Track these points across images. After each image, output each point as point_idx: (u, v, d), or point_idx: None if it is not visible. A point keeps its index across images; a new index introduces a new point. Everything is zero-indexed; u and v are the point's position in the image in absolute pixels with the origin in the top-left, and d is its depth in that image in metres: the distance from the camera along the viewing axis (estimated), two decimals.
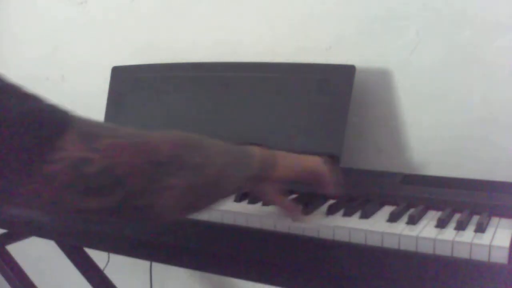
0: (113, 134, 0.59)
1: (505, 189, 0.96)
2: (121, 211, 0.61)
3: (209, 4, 1.43)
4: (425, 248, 0.75)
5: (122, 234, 0.97)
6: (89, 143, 0.56)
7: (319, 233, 0.82)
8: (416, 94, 1.17)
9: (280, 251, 0.86)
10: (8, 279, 1.42)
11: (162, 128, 1.34)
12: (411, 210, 0.89)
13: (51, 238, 1.26)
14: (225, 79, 1.27)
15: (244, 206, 0.93)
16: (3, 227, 1.29)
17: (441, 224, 0.80)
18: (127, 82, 1.43)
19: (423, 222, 0.83)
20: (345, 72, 1.13)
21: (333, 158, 1.08)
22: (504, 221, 0.84)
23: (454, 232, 0.78)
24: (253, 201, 0.95)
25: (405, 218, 0.84)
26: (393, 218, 0.84)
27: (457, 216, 0.85)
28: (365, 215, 0.86)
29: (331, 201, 0.95)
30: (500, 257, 0.71)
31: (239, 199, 0.96)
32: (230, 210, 0.91)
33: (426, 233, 0.77)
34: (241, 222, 0.89)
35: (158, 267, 1.56)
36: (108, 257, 1.59)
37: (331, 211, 0.88)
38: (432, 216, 0.86)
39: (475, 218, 0.84)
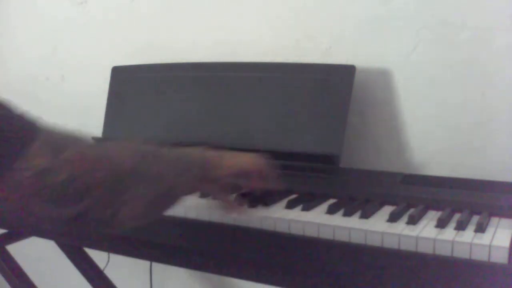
0: (78, 145, 0.62)
1: (505, 189, 0.96)
2: (85, 220, 0.62)
3: (209, 4, 1.43)
4: (425, 248, 0.75)
5: (122, 234, 0.97)
6: (56, 154, 0.58)
7: (319, 233, 0.82)
8: (416, 94, 1.17)
9: (280, 251, 0.86)
10: (8, 279, 1.42)
11: (162, 128, 1.35)
12: (411, 210, 0.89)
13: (51, 238, 1.26)
14: (225, 79, 1.27)
15: (244, 206, 0.93)
16: (3, 227, 1.29)
17: (441, 224, 0.80)
18: (127, 82, 1.44)
19: (423, 222, 0.83)
20: (345, 72, 1.13)
21: (330, 158, 1.08)
22: (504, 221, 0.84)
23: (454, 232, 0.78)
24: (253, 201, 0.95)
25: (405, 218, 0.84)
26: (393, 218, 0.84)
27: (457, 216, 0.85)
28: (365, 215, 0.86)
29: (331, 201, 0.95)
30: (500, 257, 0.71)
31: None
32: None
33: (426, 233, 0.77)
34: (241, 222, 0.89)
35: (158, 267, 1.56)
36: (108, 257, 1.59)
37: (331, 211, 0.88)
38: (432, 216, 0.86)
39: (475, 218, 0.84)
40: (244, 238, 0.89)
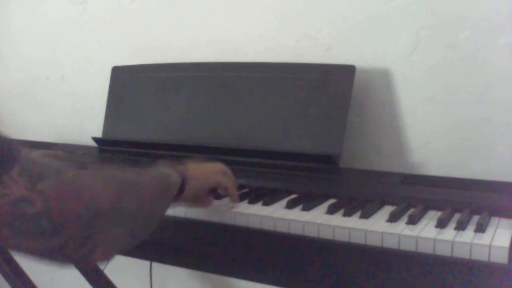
0: (57, 176, 0.59)
1: (505, 189, 0.96)
2: (59, 255, 0.60)
3: (209, 4, 1.43)
4: (425, 248, 0.75)
5: None
6: (33, 183, 0.56)
7: (319, 233, 0.82)
8: (416, 94, 1.17)
9: (280, 251, 0.86)
10: (8, 279, 1.42)
11: (162, 128, 1.35)
12: (411, 210, 0.89)
13: None
14: (225, 79, 1.27)
15: (244, 206, 0.93)
16: None
17: (441, 224, 0.80)
18: (127, 82, 1.44)
19: (423, 222, 0.83)
20: (345, 72, 1.13)
21: (330, 158, 1.08)
22: (504, 221, 0.84)
23: (454, 232, 0.78)
24: (253, 201, 0.95)
25: (405, 218, 0.84)
26: (393, 218, 0.84)
27: (457, 216, 0.85)
28: (365, 215, 0.86)
29: (331, 201, 0.95)
30: (500, 257, 0.71)
31: (239, 199, 0.96)
32: (231, 211, 0.91)
33: (426, 233, 0.77)
34: (241, 222, 0.89)
35: (158, 267, 1.56)
36: None
37: (331, 211, 0.88)
38: (432, 216, 0.86)
39: (475, 218, 0.84)
40: (244, 238, 0.89)
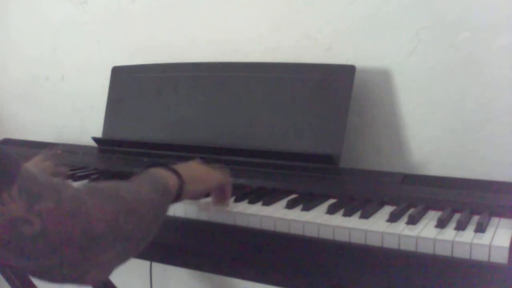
0: (55, 197, 0.58)
1: (505, 189, 0.96)
2: (53, 275, 0.60)
3: (209, 4, 1.43)
4: (425, 248, 0.75)
5: None
6: (31, 204, 0.55)
7: (319, 233, 0.82)
8: (416, 94, 1.17)
9: (280, 251, 0.86)
10: (8, 279, 1.42)
11: (162, 127, 1.35)
12: (411, 210, 0.89)
13: None
14: (225, 79, 1.27)
15: (244, 206, 0.93)
16: None
17: (441, 224, 0.80)
18: (127, 82, 1.44)
19: (423, 222, 0.83)
20: (345, 72, 1.13)
21: (330, 158, 1.08)
22: (504, 221, 0.84)
23: (454, 232, 0.78)
24: (253, 201, 0.95)
25: (405, 218, 0.84)
26: (393, 218, 0.84)
27: (457, 216, 0.85)
28: (365, 215, 0.86)
29: (331, 201, 0.95)
30: (500, 257, 0.71)
31: (239, 199, 0.96)
32: (231, 211, 0.91)
33: (426, 233, 0.77)
34: (241, 222, 0.89)
35: (158, 267, 1.56)
36: None
37: (331, 211, 0.88)
38: (432, 216, 0.86)
39: (475, 218, 0.84)
40: (244, 238, 0.89)
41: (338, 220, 0.85)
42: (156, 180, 0.77)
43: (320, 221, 0.84)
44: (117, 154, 1.38)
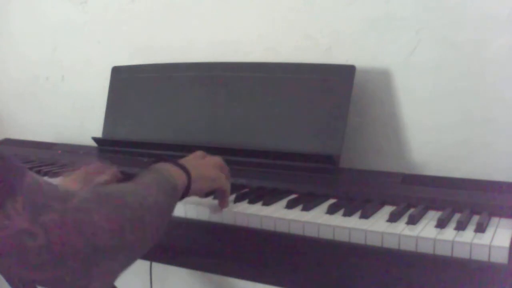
0: (61, 207, 0.58)
1: (505, 189, 0.96)
2: (56, 285, 0.61)
3: (209, 4, 1.43)
4: (425, 248, 0.75)
5: None
6: (35, 215, 0.55)
7: (319, 233, 0.82)
8: (416, 94, 1.17)
9: (280, 251, 0.86)
10: (8, 279, 1.42)
11: (162, 128, 1.35)
12: (411, 210, 0.89)
13: None
14: (225, 79, 1.27)
15: (244, 206, 0.93)
16: None
17: (441, 224, 0.80)
18: (127, 82, 1.44)
19: (423, 222, 0.83)
20: (345, 72, 1.13)
21: (330, 158, 1.08)
22: (504, 221, 0.84)
23: (454, 232, 0.78)
24: (253, 201, 0.95)
25: (405, 218, 0.84)
26: (393, 218, 0.84)
27: (457, 216, 0.85)
28: (365, 215, 0.86)
29: (331, 201, 0.95)
30: (500, 257, 0.71)
31: (239, 199, 0.96)
32: (231, 211, 0.91)
33: (426, 233, 0.77)
34: (241, 222, 0.89)
35: (158, 267, 1.56)
36: None
37: (331, 211, 0.88)
38: (432, 216, 0.86)
39: (475, 218, 0.84)
40: (244, 238, 0.89)
41: (338, 220, 0.85)
42: (165, 180, 0.76)
43: (320, 221, 0.84)
44: (117, 154, 1.38)
